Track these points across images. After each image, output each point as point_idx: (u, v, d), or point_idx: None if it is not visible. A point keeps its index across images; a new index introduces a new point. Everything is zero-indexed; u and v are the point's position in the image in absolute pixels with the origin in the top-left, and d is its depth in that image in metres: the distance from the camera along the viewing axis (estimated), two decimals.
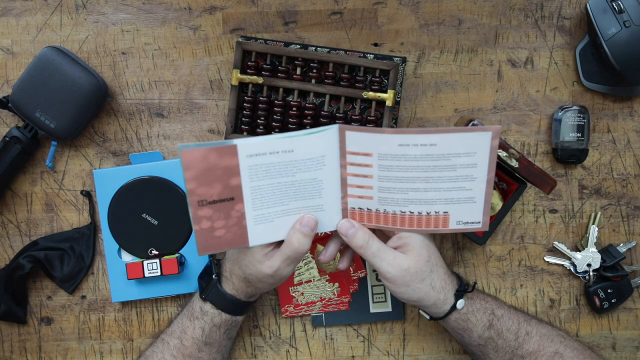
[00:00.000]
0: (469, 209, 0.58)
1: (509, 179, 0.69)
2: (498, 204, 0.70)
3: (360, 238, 0.59)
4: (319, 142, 0.55)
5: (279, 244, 0.60)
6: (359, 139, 0.55)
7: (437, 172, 0.55)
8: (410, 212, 0.58)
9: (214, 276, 0.65)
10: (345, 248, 0.64)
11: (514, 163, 0.63)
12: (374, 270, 0.74)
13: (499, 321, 0.63)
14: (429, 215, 0.58)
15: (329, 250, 0.62)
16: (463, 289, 0.62)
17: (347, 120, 0.71)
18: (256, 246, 0.59)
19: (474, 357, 0.69)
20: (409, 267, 0.58)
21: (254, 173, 0.54)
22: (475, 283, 0.64)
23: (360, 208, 0.59)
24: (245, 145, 0.53)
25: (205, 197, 0.54)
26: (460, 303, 0.61)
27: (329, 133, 0.55)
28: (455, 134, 0.53)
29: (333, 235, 0.63)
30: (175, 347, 0.65)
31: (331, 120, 0.71)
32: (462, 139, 0.53)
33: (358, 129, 0.54)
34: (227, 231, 0.56)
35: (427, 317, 0.65)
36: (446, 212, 0.58)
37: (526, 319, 0.65)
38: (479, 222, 0.59)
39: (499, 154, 0.62)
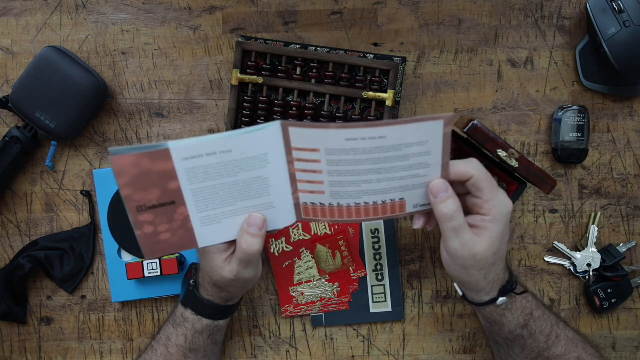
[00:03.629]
0: (425, 192, 0.56)
1: (509, 179, 0.69)
2: None
3: (448, 207, 0.54)
4: (258, 140, 0.53)
5: None
6: (304, 135, 0.53)
7: (389, 162, 0.53)
8: (365, 203, 0.57)
9: (191, 282, 0.65)
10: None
11: (514, 163, 0.63)
12: (374, 270, 0.74)
13: (535, 323, 0.61)
14: (384, 203, 0.57)
15: (421, 221, 0.59)
16: (509, 288, 0.60)
17: (346, 120, 0.71)
18: (210, 247, 0.58)
19: (494, 345, 0.67)
20: (477, 254, 0.55)
21: (193, 176, 0.53)
22: (526, 291, 0.62)
23: (312, 203, 0.57)
24: (179, 148, 0.51)
25: (144, 202, 0.52)
26: (501, 300, 0.59)
27: (270, 131, 0.53)
28: (406, 125, 0.51)
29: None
30: (162, 354, 0.65)
31: (331, 120, 0.71)
32: (413, 129, 0.51)
33: (302, 124, 0.52)
34: (172, 234, 0.55)
35: (461, 293, 0.63)
36: (402, 199, 0.56)
37: (557, 321, 0.64)
38: None
39: (499, 153, 0.62)
